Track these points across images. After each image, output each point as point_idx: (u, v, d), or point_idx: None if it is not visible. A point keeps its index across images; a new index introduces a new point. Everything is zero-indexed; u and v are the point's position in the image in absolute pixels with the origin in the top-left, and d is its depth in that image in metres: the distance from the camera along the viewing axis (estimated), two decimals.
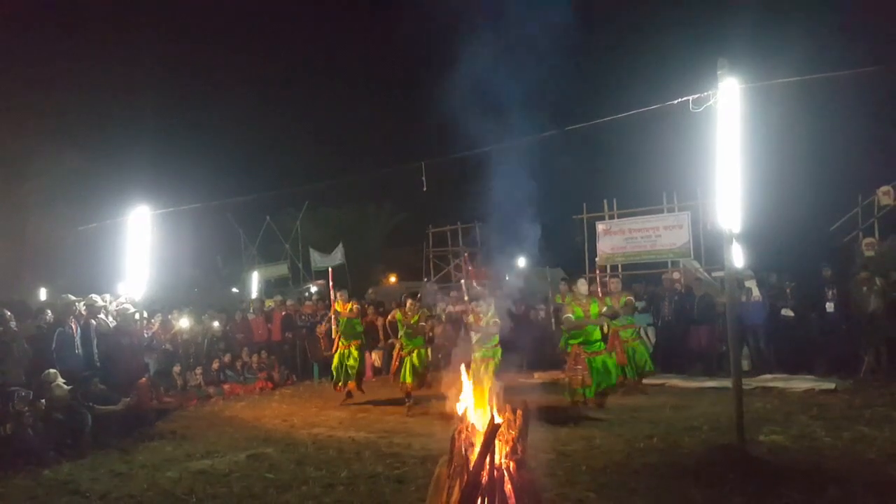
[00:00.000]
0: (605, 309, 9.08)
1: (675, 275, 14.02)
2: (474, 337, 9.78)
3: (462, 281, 11.83)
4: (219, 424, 9.51)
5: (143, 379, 10.45)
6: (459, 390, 4.46)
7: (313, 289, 20.09)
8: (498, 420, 3.98)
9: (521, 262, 12.10)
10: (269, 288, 21.82)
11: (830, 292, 11.38)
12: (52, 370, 8.29)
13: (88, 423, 8.10)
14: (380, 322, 14.04)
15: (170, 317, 13.07)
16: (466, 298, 10.17)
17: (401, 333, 10.17)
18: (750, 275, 11.99)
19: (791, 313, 11.76)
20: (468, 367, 4.63)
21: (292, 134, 37.26)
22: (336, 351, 10.77)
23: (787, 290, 12.01)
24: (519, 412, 4.04)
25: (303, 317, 14.95)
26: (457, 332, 12.63)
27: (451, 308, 14.11)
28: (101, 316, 10.28)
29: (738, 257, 9.37)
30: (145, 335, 11.57)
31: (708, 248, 14.85)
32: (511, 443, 3.95)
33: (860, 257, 12.29)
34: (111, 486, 6.37)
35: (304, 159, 33.31)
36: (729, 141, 6.50)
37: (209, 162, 31.19)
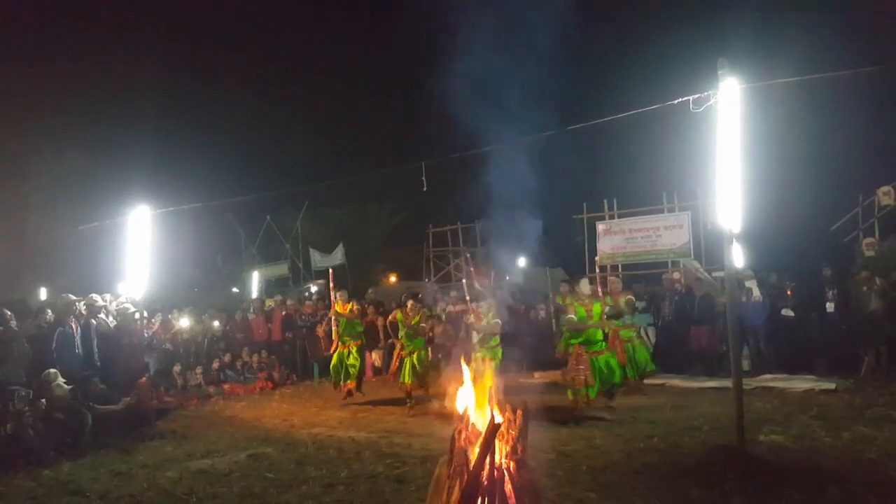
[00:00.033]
0: (607, 308, 9.06)
1: (676, 275, 14.01)
2: (475, 337, 9.79)
3: (462, 281, 11.81)
4: (219, 424, 9.51)
5: (144, 378, 10.45)
6: (459, 388, 4.46)
7: (313, 289, 20.06)
8: (498, 420, 3.98)
9: (522, 261, 12.11)
10: (269, 288, 21.81)
11: (831, 292, 11.37)
12: (52, 370, 8.30)
13: (88, 423, 8.10)
14: (380, 322, 14.07)
15: (170, 316, 13.08)
16: (467, 298, 10.17)
17: (401, 334, 10.17)
18: (750, 275, 12.00)
19: (791, 313, 11.76)
20: (468, 362, 4.62)
21: (292, 134, 37.30)
22: (335, 351, 10.77)
23: (788, 291, 12.01)
24: (519, 412, 4.04)
25: (303, 317, 14.95)
26: (457, 332, 12.64)
27: (451, 308, 14.11)
28: (102, 316, 10.30)
29: (738, 257, 9.39)
30: (145, 335, 11.58)
31: (708, 248, 14.84)
32: (511, 443, 3.95)
33: (860, 257, 12.30)
34: (111, 486, 6.37)
35: (304, 159, 33.41)
36: (729, 141, 6.49)
37: (209, 162, 31.29)
